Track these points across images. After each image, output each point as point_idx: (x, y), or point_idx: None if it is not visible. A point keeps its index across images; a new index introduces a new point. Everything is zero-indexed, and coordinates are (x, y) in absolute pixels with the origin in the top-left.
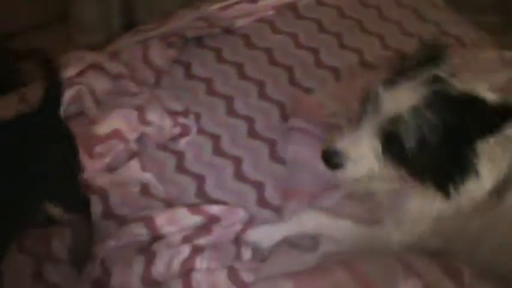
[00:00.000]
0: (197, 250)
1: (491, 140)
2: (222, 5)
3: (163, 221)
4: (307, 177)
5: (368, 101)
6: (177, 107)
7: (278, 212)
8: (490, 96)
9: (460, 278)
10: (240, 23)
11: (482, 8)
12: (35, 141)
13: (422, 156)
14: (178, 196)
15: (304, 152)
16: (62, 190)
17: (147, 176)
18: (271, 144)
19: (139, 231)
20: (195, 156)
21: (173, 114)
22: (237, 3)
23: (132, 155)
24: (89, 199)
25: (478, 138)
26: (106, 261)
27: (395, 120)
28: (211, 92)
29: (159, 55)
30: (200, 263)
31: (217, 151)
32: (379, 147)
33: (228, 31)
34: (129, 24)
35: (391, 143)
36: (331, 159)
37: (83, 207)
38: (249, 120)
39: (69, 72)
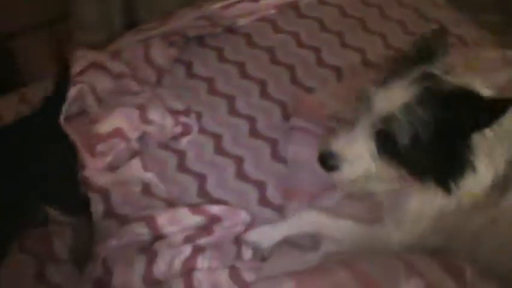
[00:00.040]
0: (198, 250)
1: (488, 135)
2: (223, 3)
3: (164, 220)
4: (307, 177)
5: (361, 101)
6: (179, 106)
7: (280, 211)
8: (485, 91)
9: (461, 277)
10: (241, 22)
11: (483, 7)
12: (35, 142)
13: (417, 154)
14: (180, 195)
15: (304, 152)
16: (61, 190)
17: (149, 175)
18: (273, 143)
19: (141, 231)
20: (196, 156)
21: (175, 113)
22: (238, 2)
23: (134, 154)
24: (88, 199)
25: (473, 133)
26: (107, 261)
27: (388, 119)
28: (212, 91)
29: (160, 54)
30: (201, 262)
31: (219, 150)
32: (374, 147)
33: (230, 30)
34: (131, 24)
35: (386, 142)
36: (327, 161)
37: (83, 207)
38: (251, 120)
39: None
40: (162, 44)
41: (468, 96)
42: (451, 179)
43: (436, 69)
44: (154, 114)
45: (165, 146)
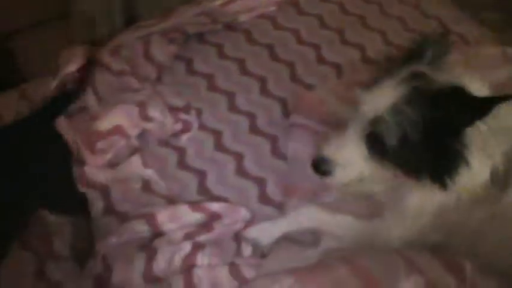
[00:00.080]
0: (198, 247)
1: (482, 129)
2: (223, 0)
3: (164, 218)
4: (307, 174)
5: (352, 104)
6: (179, 103)
7: (280, 208)
8: (476, 87)
9: (461, 274)
10: (241, 18)
11: (483, 5)
12: (35, 141)
13: (408, 153)
14: (180, 192)
15: (304, 149)
16: (61, 190)
17: (149, 172)
18: (273, 140)
19: (141, 228)
20: (196, 152)
21: (175, 110)
22: None
23: (134, 151)
24: (86, 197)
25: (464, 128)
26: (107, 258)
27: (377, 121)
28: (212, 88)
29: (160, 51)
30: (201, 259)
31: (219, 147)
32: (365, 150)
33: (230, 27)
34: (131, 20)
35: (376, 144)
36: (320, 166)
37: (81, 205)
38: (251, 116)
39: (71, 67)
40: (162, 40)
41: (456, 94)
42: (446, 175)
43: (425, 67)
44: (154, 111)
45: (165, 143)
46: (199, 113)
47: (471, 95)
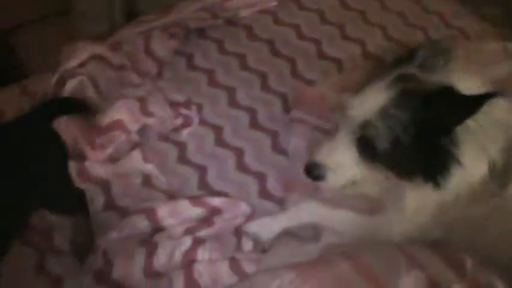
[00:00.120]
0: (199, 242)
1: (474, 127)
2: None
3: (165, 213)
4: None
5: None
6: (179, 98)
7: (280, 203)
8: (467, 84)
9: (462, 269)
10: (242, 14)
11: (485, 0)
12: (35, 141)
13: (398, 155)
14: (180, 187)
15: (305, 144)
16: (61, 189)
17: (149, 167)
18: (274, 135)
19: (141, 224)
20: (197, 147)
21: (175, 105)
22: None
23: (134, 146)
24: (83, 194)
25: (453, 127)
26: (108, 253)
27: (365, 125)
28: (213, 83)
29: (161, 46)
30: (202, 254)
31: (219, 142)
32: (356, 154)
33: (230, 22)
34: (132, 15)
35: (367, 148)
36: (312, 171)
37: (80, 203)
38: (251, 112)
39: (71, 62)
40: (163, 36)
41: (444, 94)
42: (439, 174)
43: (414, 69)
44: (154, 107)
45: (165, 138)
46: (199, 108)
47: (459, 94)
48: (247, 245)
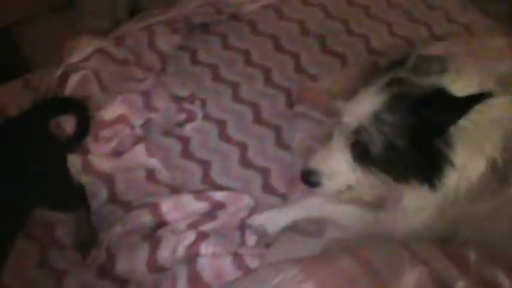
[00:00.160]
0: (202, 236)
1: (467, 126)
2: None
3: (168, 207)
4: None
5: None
6: (183, 92)
7: (283, 198)
8: (459, 85)
9: (465, 264)
10: (246, 9)
11: None
12: (35, 141)
13: (393, 159)
14: (184, 182)
15: (308, 139)
16: (61, 188)
17: (153, 162)
18: (277, 130)
19: (145, 218)
20: (200, 142)
21: (179, 100)
22: None
23: (138, 140)
24: (84, 190)
25: (446, 128)
26: (111, 247)
27: (359, 131)
28: (217, 78)
29: (164, 41)
30: (205, 248)
31: (223, 137)
32: (351, 159)
33: (234, 17)
34: (136, 12)
35: (361, 153)
36: (308, 178)
37: (80, 200)
38: (255, 107)
39: (75, 57)
40: (166, 31)
41: (436, 96)
42: (434, 175)
43: (406, 72)
44: (158, 101)
45: (169, 133)
46: (203, 103)
47: (451, 95)
48: (251, 239)
